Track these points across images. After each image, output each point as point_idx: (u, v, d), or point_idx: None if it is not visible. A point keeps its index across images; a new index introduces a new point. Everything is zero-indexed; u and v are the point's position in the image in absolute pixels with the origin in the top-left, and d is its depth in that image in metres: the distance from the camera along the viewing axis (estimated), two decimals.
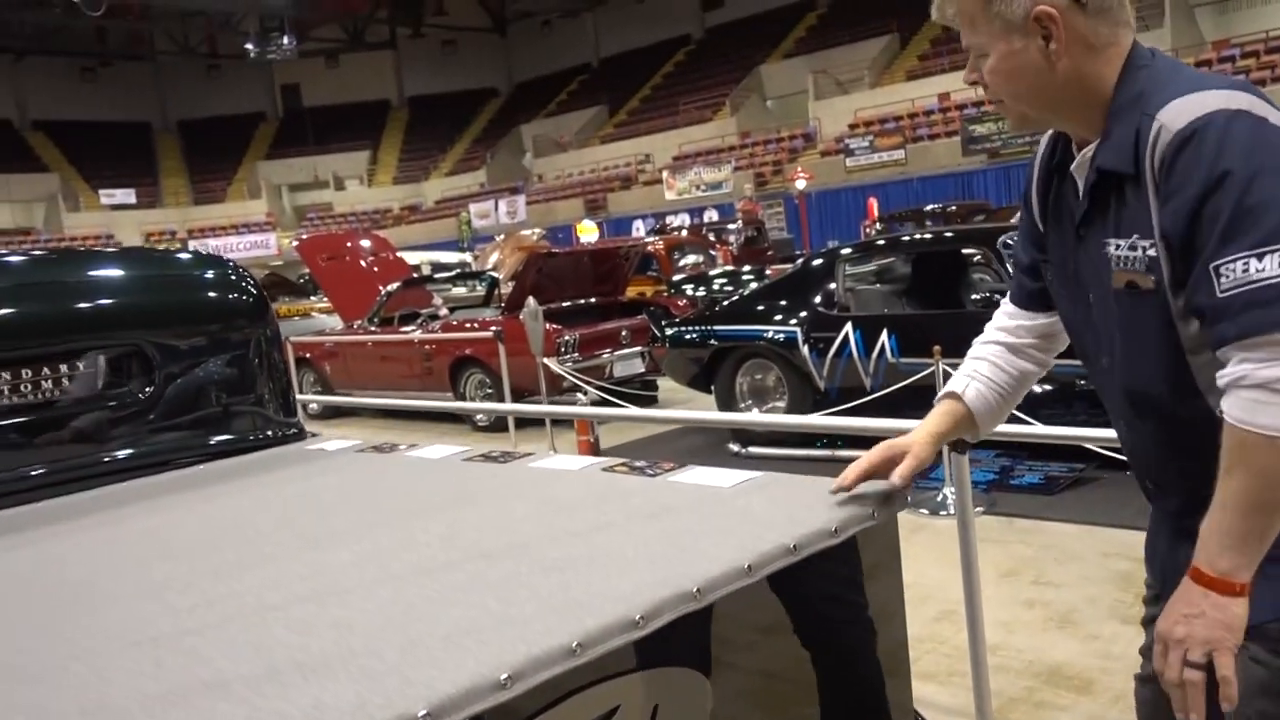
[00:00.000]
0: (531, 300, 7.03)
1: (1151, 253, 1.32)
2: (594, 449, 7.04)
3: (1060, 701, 2.94)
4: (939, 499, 5.03)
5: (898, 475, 1.59)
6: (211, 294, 2.88)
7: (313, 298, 13.22)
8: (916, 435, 1.65)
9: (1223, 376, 1.23)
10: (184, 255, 3.01)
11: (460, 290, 11.94)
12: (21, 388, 2.43)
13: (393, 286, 9.82)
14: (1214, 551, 1.26)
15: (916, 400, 5.48)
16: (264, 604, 1.39)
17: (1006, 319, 1.68)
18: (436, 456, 2.38)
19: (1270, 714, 1.32)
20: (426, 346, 8.85)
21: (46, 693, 1.16)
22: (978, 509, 4.86)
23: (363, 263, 11.26)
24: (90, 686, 1.16)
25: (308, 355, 10.24)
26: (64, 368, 2.54)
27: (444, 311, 9.88)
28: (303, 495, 2.14)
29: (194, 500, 2.17)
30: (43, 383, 2.47)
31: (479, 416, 8.56)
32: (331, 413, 10.32)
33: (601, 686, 1.19)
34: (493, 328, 7.78)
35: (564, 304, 8.82)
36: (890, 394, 5.49)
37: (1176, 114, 1.28)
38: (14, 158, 42.32)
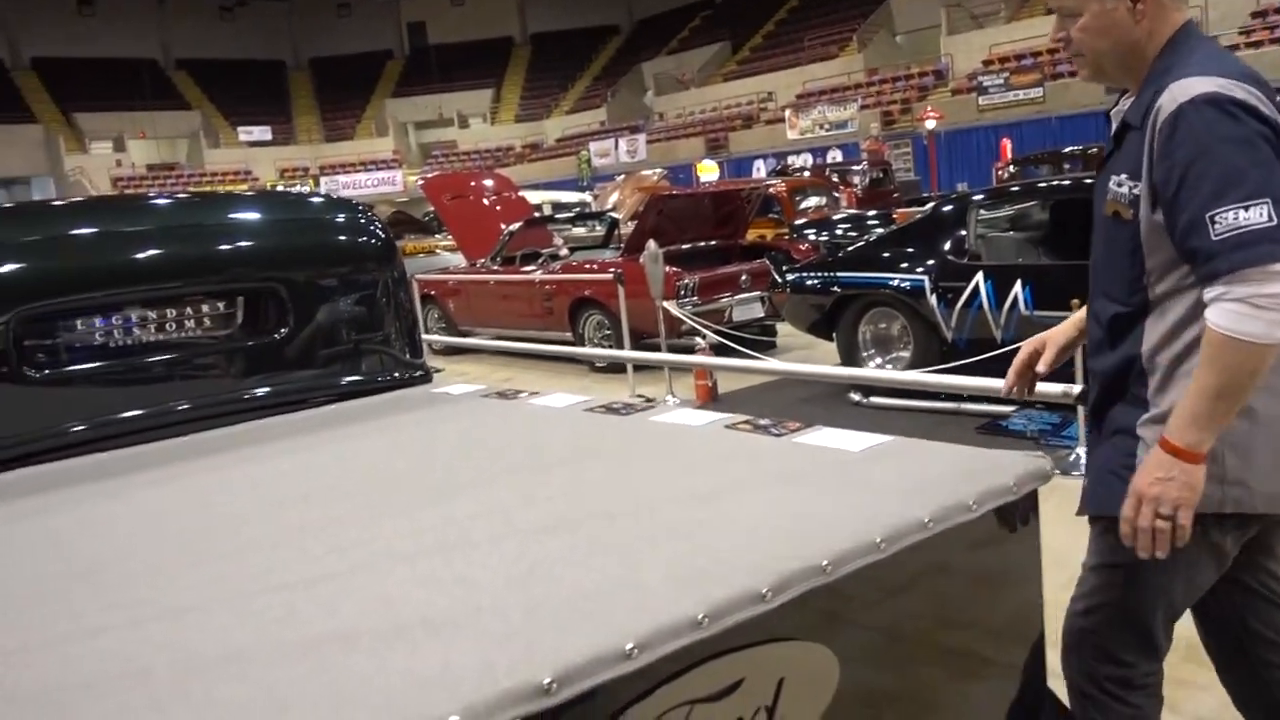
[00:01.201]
0: (652, 243, 6.98)
1: (1136, 191, 1.66)
2: (712, 394, 7.02)
3: (1199, 680, 2.80)
4: (1071, 458, 4.84)
5: (1042, 364, 1.94)
6: (343, 237, 2.93)
7: (437, 235, 13.48)
8: (1057, 327, 1.98)
9: (1210, 294, 1.55)
10: (317, 198, 3.08)
11: (580, 230, 11.97)
12: (166, 326, 2.53)
13: (515, 226, 9.90)
14: (1183, 427, 1.58)
15: None
16: (393, 554, 1.41)
17: None
18: (559, 406, 2.39)
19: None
20: (547, 287, 8.92)
21: (190, 634, 1.20)
22: None
23: (485, 201, 11.39)
24: (230, 630, 1.20)
25: (432, 292, 10.45)
26: (205, 307, 2.63)
27: (564, 252, 9.92)
28: (429, 441, 2.18)
29: (326, 442, 2.23)
30: (186, 321, 2.56)
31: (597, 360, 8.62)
32: (453, 347, 10.54)
33: (726, 659, 1.17)
34: (612, 270, 7.78)
35: (684, 246, 8.75)
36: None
37: (1178, 91, 1.59)
38: (160, 95, 44.20)
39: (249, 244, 2.74)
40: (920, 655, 1.45)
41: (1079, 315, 1.96)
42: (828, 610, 1.30)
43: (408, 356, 3.01)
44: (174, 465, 2.12)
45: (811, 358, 7.82)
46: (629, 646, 1.06)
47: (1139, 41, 1.68)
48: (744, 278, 8.30)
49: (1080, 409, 2.23)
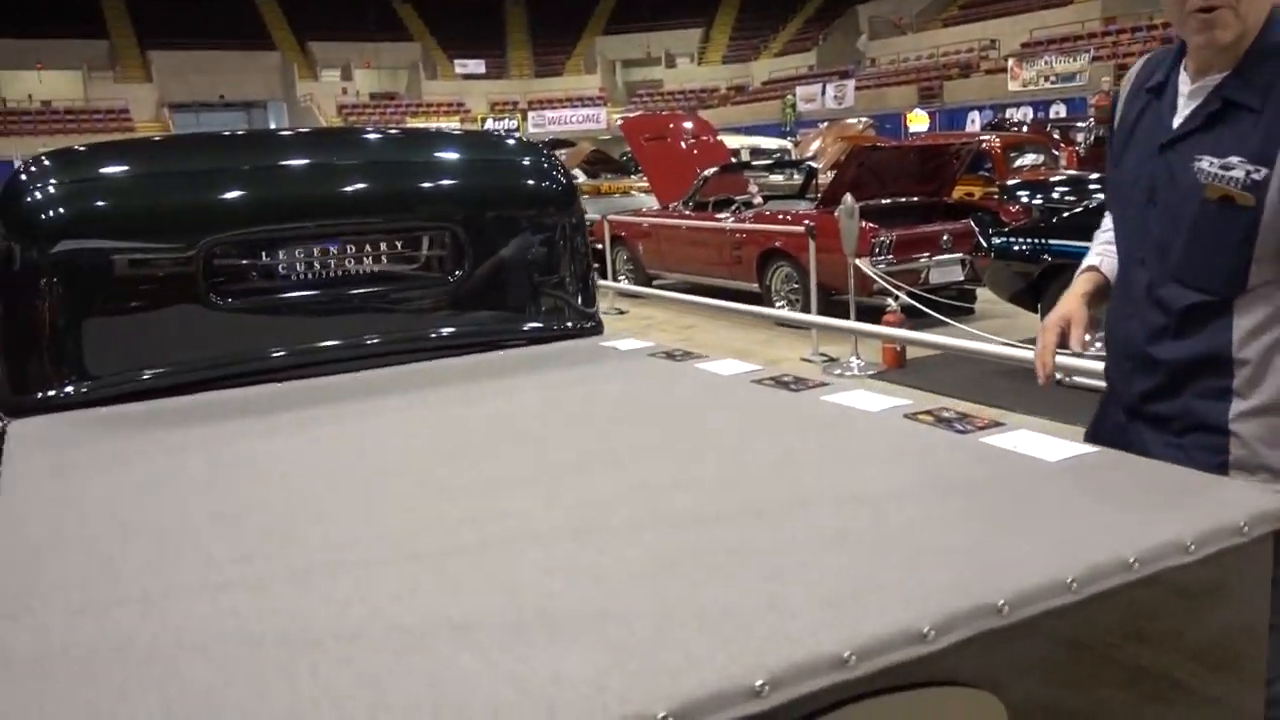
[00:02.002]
0: (849, 197, 6.68)
1: (1256, 176, 1.56)
2: (899, 359, 6.71)
3: None
4: None
5: (1074, 342, 1.84)
6: (527, 180, 2.88)
7: (633, 176, 13.48)
8: (1069, 304, 1.90)
9: None
10: (504, 139, 3.03)
11: (778, 178, 11.68)
12: (350, 261, 2.55)
13: (709, 171, 9.74)
14: None
15: None
16: (528, 532, 1.34)
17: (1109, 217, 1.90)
18: (726, 374, 2.26)
19: None
20: (736, 235, 8.75)
21: (310, 603, 1.16)
22: None
23: (683, 144, 11.26)
24: (349, 604, 1.15)
25: (622, 234, 10.48)
26: (387, 244, 2.64)
27: (759, 200, 9.70)
28: (587, 403, 2.10)
29: (487, 394, 2.19)
30: (368, 258, 2.57)
31: (781, 309, 8.41)
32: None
33: (871, 702, 1.03)
34: (805, 222, 7.53)
35: (884, 201, 8.36)
36: None
37: None
38: (385, 26, 46.19)
39: (434, 183, 2.73)
40: (1104, 716, 1.26)
41: (1085, 288, 1.92)
42: (1000, 654, 1.13)
43: (581, 305, 2.94)
44: (337, 404, 2.14)
45: (1011, 330, 7.35)
46: (759, 683, 0.94)
47: (1265, 11, 1.62)
48: (945, 238, 7.86)
49: None
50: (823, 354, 7.07)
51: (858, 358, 6.74)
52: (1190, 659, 1.32)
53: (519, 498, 1.47)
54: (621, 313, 9.65)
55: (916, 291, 6.99)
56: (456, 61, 46.78)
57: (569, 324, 2.88)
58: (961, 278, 7.93)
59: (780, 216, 8.62)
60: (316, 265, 2.53)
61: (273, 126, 42.31)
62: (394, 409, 2.10)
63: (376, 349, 2.54)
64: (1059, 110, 24.52)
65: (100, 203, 2.36)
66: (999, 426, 1.71)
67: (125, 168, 2.41)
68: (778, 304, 8.50)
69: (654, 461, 1.63)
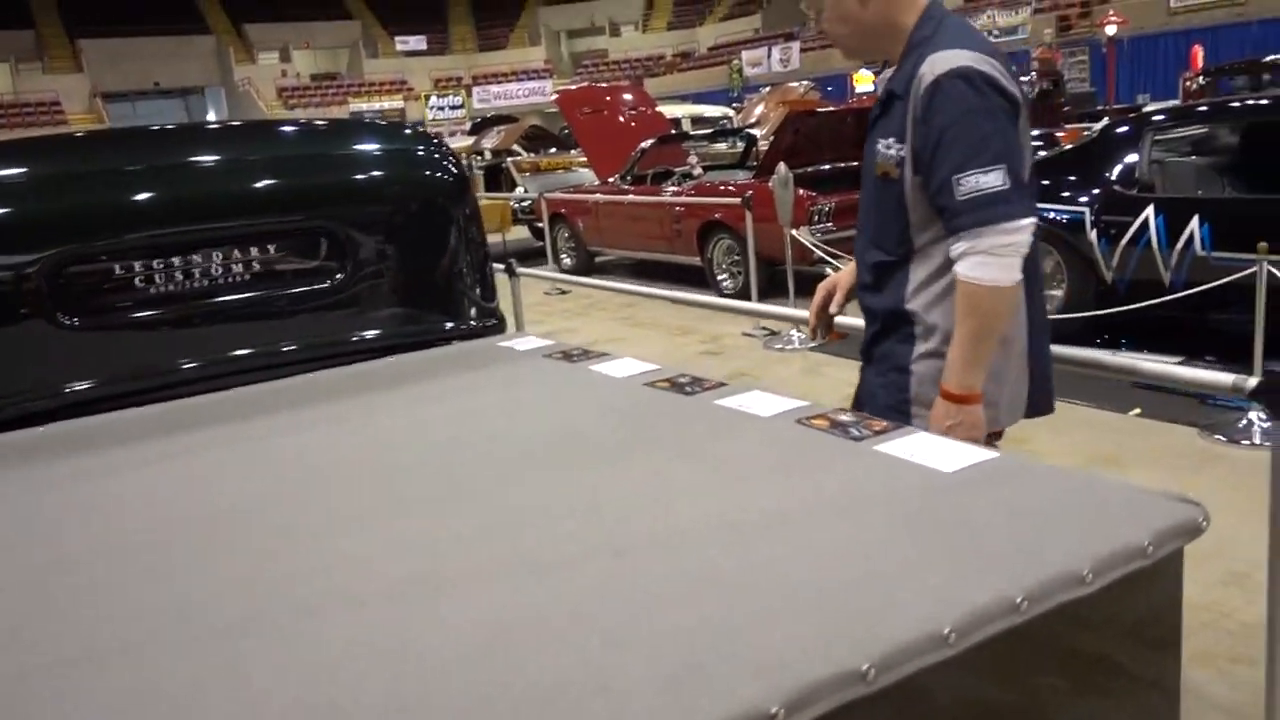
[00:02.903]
0: (782, 166, 6.52)
1: (901, 154, 1.85)
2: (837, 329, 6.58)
3: None
4: (1243, 423, 4.26)
5: (834, 305, 2.17)
6: (413, 171, 2.68)
7: (574, 151, 13.23)
8: (844, 270, 2.17)
9: (956, 250, 1.77)
10: (391, 129, 2.82)
11: (721, 147, 11.49)
12: (208, 271, 2.34)
13: (647, 143, 9.53)
14: (955, 374, 1.80)
15: (1230, 303, 4.65)
16: (358, 578, 1.17)
17: None
18: (620, 376, 2.10)
19: None
20: (675, 209, 8.57)
21: (91, 683, 0.98)
22: None
23: (621, 117, 11.04)
24: (135, 681, 0.98)
25: (562, 211, 10.25)
26: (251, 250, 2.43)
27: (698, 171, 9.51)
28: (461, 420, 1.92)
29: (354, 411, 2.00)
30: (229, 266, 2.37)
31: (724, 282, 8.27)
32: (584, 267, 10.36)
33: None
34: (741, 193, 7.35)
35: (823, 168, 8.21)
36: (1195, 294, 4.65)
37: (935, 64, 1.79)
38: (323, 6, 45.17)
39: (306, 179, 2.52)
40: None
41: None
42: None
43: (479, 303, 2.76)
44: (190, 432, 1.95)
45: None
46: None
47: (875, 24, 1.91)
48: None
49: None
50: (764, 327, 6.94)
51: (798, 330, 6.61)
52: (1096, 694, 1.18)
53: (340, 544, 1.30)
54: (564, 292, 9.45)
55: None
56: (397, 39, 45.90)
57: (465, 324, 2.70)
58: None
59: (719, 187, 8.45)
60: (179, 276, 2.32)
61: (208, 116, 41.37)
62: (253, 436, 1.91)
63: (247, 364, 2.35)
64: None
65: None
66: (895, 431, 1.56)
67: None
68: (720, 277, 8.35)
69: (521, 487, 1.46)
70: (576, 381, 2.10)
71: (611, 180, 9.83)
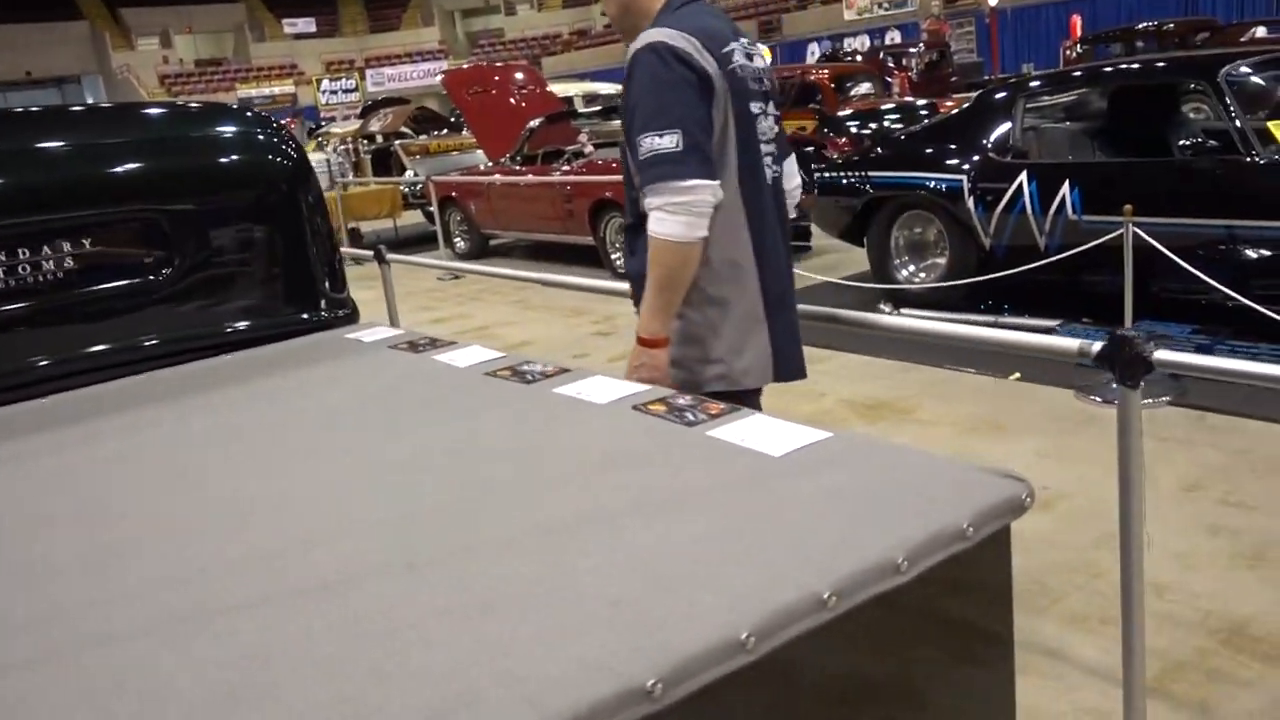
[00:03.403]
0: None
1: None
2: None
3: (1242, 674, 2.38)
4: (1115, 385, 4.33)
5: None
6: (249, 157, 2.51)
7: (465, 133, 12.96)
8: None
9: (644, 207, 1.91)
10: (213, 110, 2.65)
11: (615, 124, 11.35)
12: (16, 269, 2.16)
13: (535, 122, 9.37)
14: (644, 321, 1.97)
15: (1100, 265, 4.74)
16: (91, 631, 1.04)
17: None
18: (464, 365, 1.99)
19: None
20: (565, 188, 8.44)
21: None
22: (1163, 398, 4.16)
23: (511, 98, 10.83)
24: None
25: (453, 194, 10.03)
26: (68, 245, 2.25)
27: (589, 149, 9.39)
28: (290, 418, 1.79)
29: (165, 417, 1.86)
30: (41, 263, 2.19)
31: (618, 261, 8.18)
32: (478, 250, 10.17)
33: None
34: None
35: None
36: (1068, 258, 4.72)
37: (638, 40, 1.96)
38: None
39: (129, 167, 2.34)
40: None
41: None
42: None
43: (328, 292, 2.62)
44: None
45: (845, 265, 7.31)
46: None
47: (626, 12, 2.09)
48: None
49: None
50: None
51: None
52: (925, 683, 1.13)
53: (131, 570, 1.18)
54: (456, 278, 9.25)
55: None
56: (285, 21, 44.48)
57: (312, 315, 2.56)
58: (794, 215, 7.81)
59: (612, 165, 8.33)
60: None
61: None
62: (43, 450, 1.75)
63: (61, 370, 2.17)
64: (895, 37, 24.85)
65: None
66: (734, 413, 1.49)
67: None
68: (615, 256, 8.26)
69: (311, 506, 1.35)
70: (415, 374, 1.99)
71: (502, 161, 9.64)
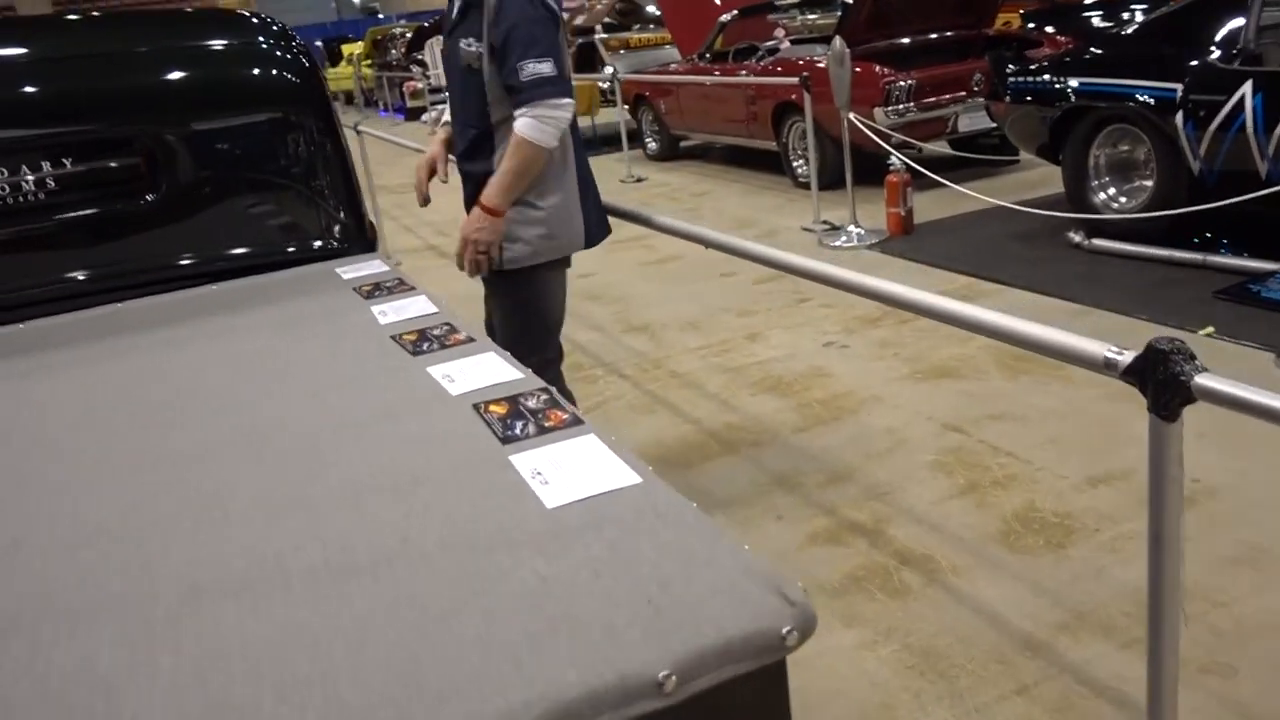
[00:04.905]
0: (838, 41, 5.82)
1: (479, 50, 2.46)
2: (905, 225, 5.96)
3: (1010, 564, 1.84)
4: None
5: (441, 175, 2.81)
6: (244, 71, 2.35)
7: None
8: (433, 148, 2.80)
9: (517, 114, 2.41)
10: (217, 17, 2.49)
11: (815, 17, 10.58)
12: (10, 185, 2.11)
13: (727, 16, 8.82)
14: (493, 194, 2.48)
15: None
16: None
17: None
18: (385, 322, 1.76)
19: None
20: (750, 89, 7.92)
21: None
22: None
23: None
24: None
25: (645, 93, 9.70)
26: (68, 161, 2.18)
27: (785, 45, 8.76)
28: (186, 369, 1.63)
29: (113, 351, 1.74)
30: (20, 184, 2.13)
31: (799, 169, 7.65)
32: (668, 152, 9.85)
33: None
34: (803, 71, 6.68)
35: (903, 40, 7.37)
36: None
37: None
38: None
39: (109, 80, 2.23)
40: None
41: (444, 136, 2.77)
42: None
43: (337, 221, 2.45)
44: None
45: (1046, 183, 6.48)
46: None
47: None
48: (976, 77, 6.89)
49: None
50: (825, 221, 6.36)
51: (856, 225, 6.02)
52: None
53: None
54: (639, 180, 9.01)
55: (920, 147, 6.13)
56: None
57: (315, 245, 2.40)
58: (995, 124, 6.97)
59: (799, 63, 7.73)
60: None
61: None
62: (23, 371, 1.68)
63: (38, 295, 2.12)
64: None
65: None
66: (569, 429, 1.18)
67: None
68: (795, 163, 7.73)
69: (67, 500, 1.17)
70: (343, 325, 1.77)
71: (692, 58, 9.20)
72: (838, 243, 5.99)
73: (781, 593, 0.80)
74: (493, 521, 0.98)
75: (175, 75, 2.28)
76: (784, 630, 0.77)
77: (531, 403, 1.28)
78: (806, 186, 7.58)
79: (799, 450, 3.45)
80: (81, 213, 2.20)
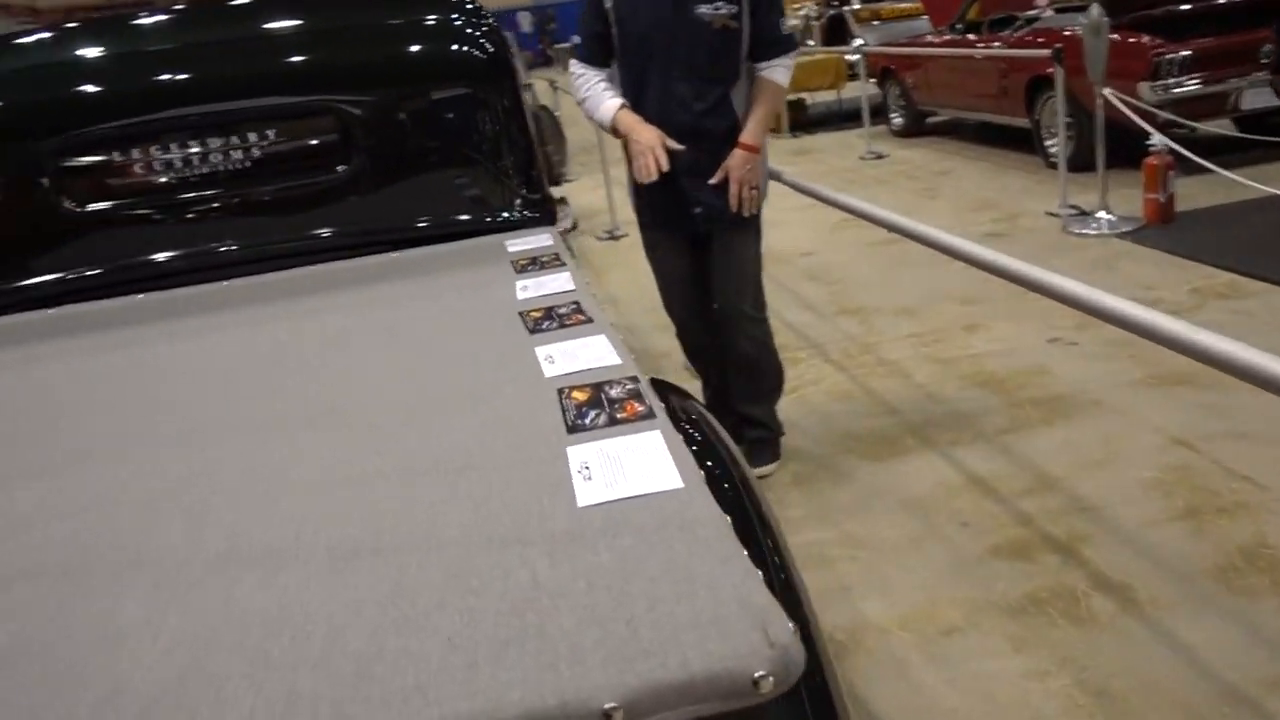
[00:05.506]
0: (1095, 8, 5.30)
1: (733, 10, 2.75)
2: (1163, 213, 5.38)
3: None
4: None
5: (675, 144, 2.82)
6: (436, 48, 2.43)
7: None
8: (648, 128, 2.80)
9: (772, 64, 2.85)
10: None
11: None
12: (215, 156, 2.29)
13: None
14: (755, 134, 2.83)
15: None
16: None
17: (588, 70, 2.93)
18: (521, 298, 1.76)
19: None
20: (1000, 63, 7.41)
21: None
22: None
23: None
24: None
25: (893, 66, 9.32)
26: (260, 134, 2.34)
27: (1048, 13, 8.12)
28: (300, 340, 1.70)
29: (301, 313, 1.85)
30: (228, 153, 2.29)
31: (1051, 150, 7.09)
32: (914, 127, 9.42)
33: None
34: (1056, 42, 6.14)
35: (1183, 7, 6.63)
36: None
37: None
38: None
39: (309, 55, 2.37)
40: None
41: (636, 117, 2.84)
42: None
43: (517, 195, 2.49)
44: (161, 323, 1.93)
45: None
46: None
47: None
48: (1265, 49, 6.10)
49: None
50: (1073, 206, 5.86)
51: (1107, 212, 5.51)
52: None
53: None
54: (879, 156, 8.67)
55: (1180, 127, 5.47)
56: None
57: (495, 216, 2.46)
58: None
59: (1059, 34, 7.14)
60: (176, 163, 2.29)
61: None
62: (210, 328, 1.84)
63: (234, 258, 2.29)
64: None
65: None
66: (639, 422, 1.13)
67: None
68: (1048, 143, 7.17)
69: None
70: (467, 302, 1.80)
71: (942, 30, 8.73)
72: (1084, 229, 5.51)
73: (765, 632, 0.71)
74: (518, 516, 0.94)
75: (373, 51, 2.38)
76: (756, 674, 0.69)
77: (614, 391, 1.23)
78: (1053, 169, 7.03)
79: (1001, 453, 3.20)
80: (280, 183, 2.34)
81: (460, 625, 0.77)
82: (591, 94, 2.90)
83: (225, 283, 2.19)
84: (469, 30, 2.43)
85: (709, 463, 1.27)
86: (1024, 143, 7.68)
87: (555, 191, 3.37)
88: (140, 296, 2.18)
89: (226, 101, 2.29)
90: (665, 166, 2.70)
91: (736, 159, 2.80)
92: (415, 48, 2.42)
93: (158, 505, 1.04)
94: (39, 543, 0.99)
